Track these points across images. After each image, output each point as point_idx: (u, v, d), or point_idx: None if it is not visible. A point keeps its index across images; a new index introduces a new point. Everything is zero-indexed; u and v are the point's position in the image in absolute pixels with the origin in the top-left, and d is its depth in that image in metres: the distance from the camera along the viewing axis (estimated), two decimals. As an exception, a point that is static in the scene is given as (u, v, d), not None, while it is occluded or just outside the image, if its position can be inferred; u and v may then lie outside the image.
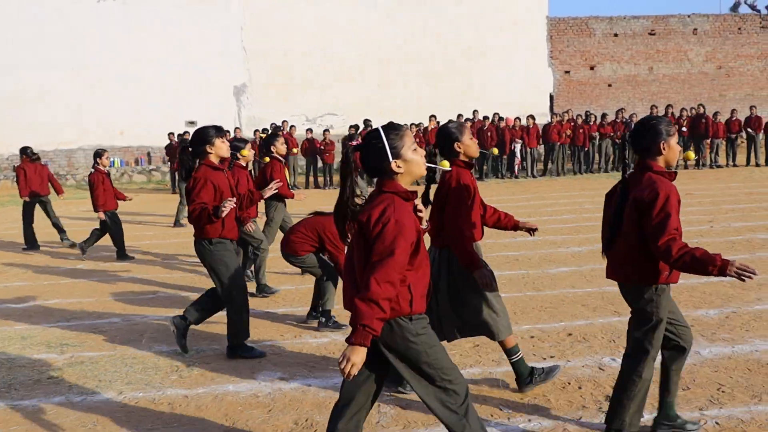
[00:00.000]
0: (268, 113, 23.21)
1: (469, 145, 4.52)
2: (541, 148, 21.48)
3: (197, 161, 5.50)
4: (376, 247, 2.91)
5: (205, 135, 5.42)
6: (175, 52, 23.68)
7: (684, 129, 21.09)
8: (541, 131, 20.94)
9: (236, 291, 5.54)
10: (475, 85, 24.15)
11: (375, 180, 3.22)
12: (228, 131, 16.04)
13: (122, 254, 10.44)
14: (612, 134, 21.07)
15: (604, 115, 21.65)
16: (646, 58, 25.56)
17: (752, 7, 39.64)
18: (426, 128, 20.34)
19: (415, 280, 3.05)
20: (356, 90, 23.69)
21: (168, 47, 23.64)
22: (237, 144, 7.55)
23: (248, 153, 7.65)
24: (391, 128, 3.12)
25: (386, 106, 22.74)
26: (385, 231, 2.91)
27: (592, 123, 21.24)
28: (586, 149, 21.16)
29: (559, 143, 20.62)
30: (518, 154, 20.81)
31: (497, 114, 21.06)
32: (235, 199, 5.43)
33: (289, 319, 6.88)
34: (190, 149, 5.53)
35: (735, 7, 40.75)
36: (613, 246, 3.86)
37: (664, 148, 3.75)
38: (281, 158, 8.32)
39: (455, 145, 4.48)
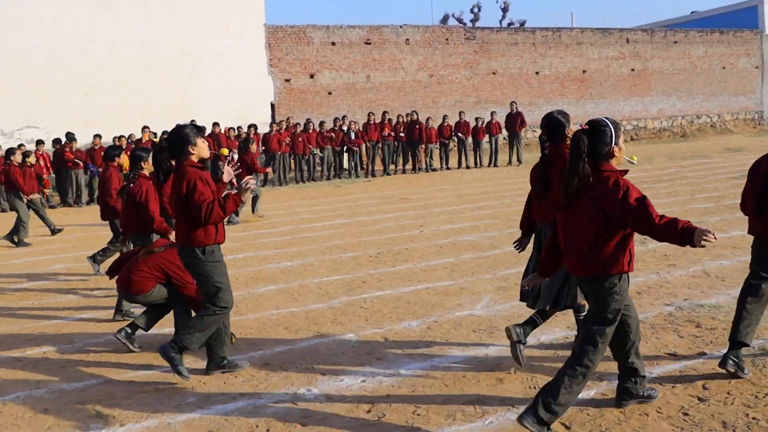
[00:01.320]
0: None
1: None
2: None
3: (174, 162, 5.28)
4: (629, 199, 3.95)
5: (187, 135, 5.12)
6: None
7: (402, 135, 21.68)
8: (261, 140, 20.41)
9: (229, 297, 5.22)
10: (191, 94, 23.04)
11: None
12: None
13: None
14: (333, 140, 21.11)
15: (321, 123, 21.63)
16: (364, 67, 26.06)
17: (459, 20, 42.49)
18: (139, 139, 18.96)
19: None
20: (58, 101, 21.47)
21: None
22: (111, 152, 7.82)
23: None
24: (613, 121, 4.19)
25: (94, 117, 20.88)
26: (630, 189, 4.00)
27: (311, 131, 21.10)
28: (307, 157, 20.99)
29: (279, 152, 20.21)
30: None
31: (216, 123, 20.17)
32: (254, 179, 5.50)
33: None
34: (167, 149, 5.32)
35: (444, 20, 43.45)
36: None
37: None
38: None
39: (565, 131, 5.10)
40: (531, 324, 5.17)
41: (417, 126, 21.80)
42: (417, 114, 22.48)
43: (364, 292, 7.73)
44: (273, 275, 8.85)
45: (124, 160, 7.61)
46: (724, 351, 4.91)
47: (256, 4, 24.37)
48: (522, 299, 5.42)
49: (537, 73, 29.15)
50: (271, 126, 21.08)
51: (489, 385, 4.93)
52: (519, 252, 5.78)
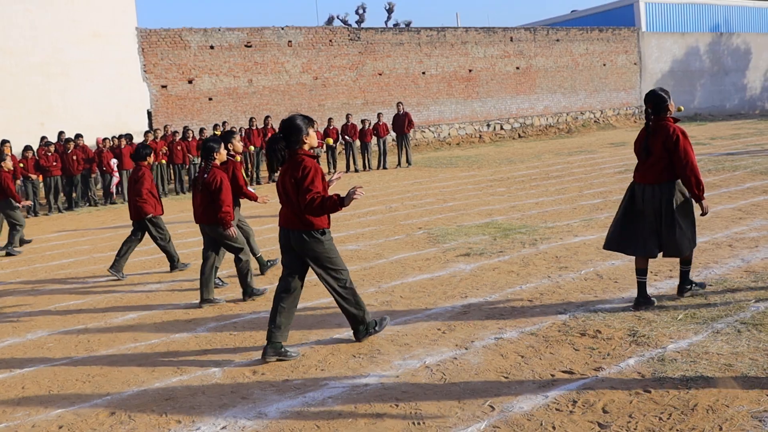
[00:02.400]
0: None
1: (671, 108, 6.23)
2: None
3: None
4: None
5: (301, 126, 5.38)
6: None
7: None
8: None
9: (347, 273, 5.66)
10: (58, 104, 21.46)
11: None
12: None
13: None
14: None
15: (201, 130, 20.54)
16: (245, 71, 25.06)
17: (344, 21, 41.95)
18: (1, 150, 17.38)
19: None
20: None
21: None
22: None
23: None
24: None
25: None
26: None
27: (191, 139, 19.97)
28: (187, 167, 19.87)
29: (156, 162, 19.00)
30: (116, 176, 18.77)
31: (80, 135, 18.63)
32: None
33: None
34: (282, 139, 5.39)
35: (330, 21, 42.83)
36: None
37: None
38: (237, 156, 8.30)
39: (667, 105, 6.05)
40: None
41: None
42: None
43: (235, 317, 6.95)
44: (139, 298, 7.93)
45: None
46: (623, 365, 4.42)
47: (126, 7, 22.94)
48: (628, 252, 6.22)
49: (424, 73, 28.88)
50: (145, 135, 19.77)
51: (367, 423, 4.28)
52: None
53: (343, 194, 5.22)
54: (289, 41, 25.78)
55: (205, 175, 7.26)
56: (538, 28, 32.79)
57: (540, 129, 32.17)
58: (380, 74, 27.81)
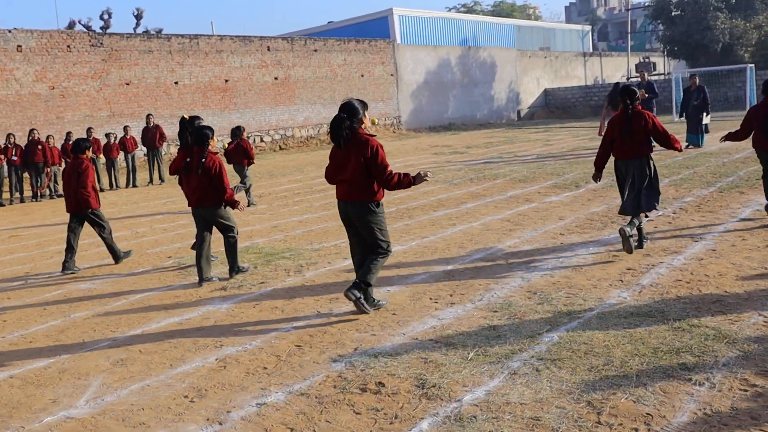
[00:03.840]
0: None
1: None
2: None
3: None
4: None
5: (359, 108, 6.06)
6: None
7: (15, 158, 18.19)
8: None
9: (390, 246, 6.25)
10: None
11: None
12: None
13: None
14: None
15: None
16: (-36, 79, 21.80)
17: (87, 27, 38.65)
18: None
19: None
20: None
21: None
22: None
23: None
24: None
25: None
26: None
27: None
28: None
29: None
30: None
31: None
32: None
33: None
34: (347, 119, 5.96)
35: (71, 26, 39.22)
36: None
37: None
38: None
39: (637, 96, 7.84)
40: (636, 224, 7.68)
41: (39, 146, 18.43)
42: (37, 132, 18.98)
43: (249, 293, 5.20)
44: None
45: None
46: (415, 431, 3.47)
47: None
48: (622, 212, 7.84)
49: (176, 83, 26.97)
50: None
51: None
52: (597, 182, 8.31)
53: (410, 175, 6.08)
54: (19, 46, 22.77)
55: (203, 160, 7.59)
56: (295, 38, 32.08)
57: (301, 140, 31.43)
58: (128, 84, 25.53)
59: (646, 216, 8.00)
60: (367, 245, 6.16)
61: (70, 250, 9.05)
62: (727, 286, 6.24)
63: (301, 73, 31.57)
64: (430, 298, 6.49)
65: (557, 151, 20.46)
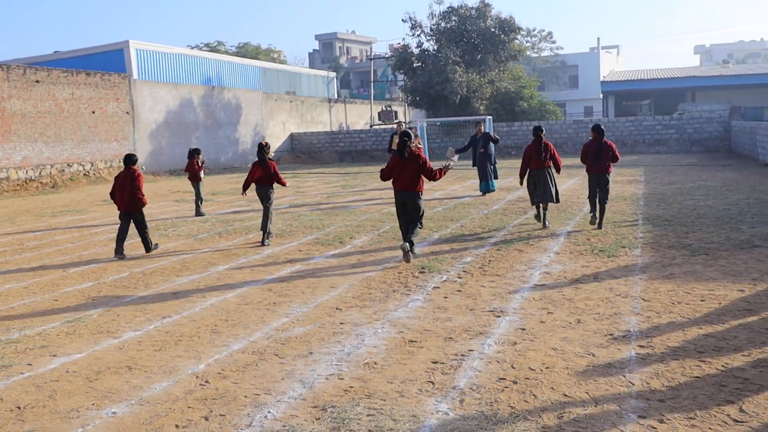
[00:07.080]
0: None
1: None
2: None
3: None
4: (616, 153, 11.86)
5: (411, 134, 9.99)
6: None
7: None
8: None
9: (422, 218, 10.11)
10: None
11: None
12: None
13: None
14: None
15: None
16: None
17: None
18: None
19: None
20: None
21: None
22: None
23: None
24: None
25: None
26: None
27: None
28: None
29: None
30: None
31: None
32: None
33: None
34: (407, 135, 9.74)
35: None
36: None
37: None
38: None
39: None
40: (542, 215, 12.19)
41: None
42: None
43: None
44: None
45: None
46: None
47: None
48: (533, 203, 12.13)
49: None
50: None
51: None
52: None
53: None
54: None
55: (269, 160, 12.08)
56: (12, 66, 27.99)
57: (18, 183, 27.30)
58: None
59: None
60: (411, 219, 9.73)
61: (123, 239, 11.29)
62: (563, 385, 4.97)
63: (20, 106, 27.58)
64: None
65: (312, 200, 19.15)
